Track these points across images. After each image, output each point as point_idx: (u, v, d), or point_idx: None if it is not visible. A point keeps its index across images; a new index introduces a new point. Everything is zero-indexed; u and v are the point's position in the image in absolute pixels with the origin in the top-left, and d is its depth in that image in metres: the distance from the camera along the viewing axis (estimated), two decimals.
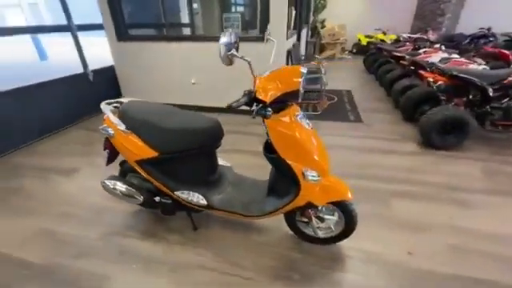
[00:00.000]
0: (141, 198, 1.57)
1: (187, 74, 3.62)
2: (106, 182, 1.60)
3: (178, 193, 1.48)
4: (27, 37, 8.61)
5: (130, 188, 1.56)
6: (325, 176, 1.32)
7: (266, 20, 3.07)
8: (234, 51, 1.12)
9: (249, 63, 1.15)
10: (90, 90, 3.61)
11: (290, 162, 1.24)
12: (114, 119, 1.46)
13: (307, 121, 1.31)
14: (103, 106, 1.54)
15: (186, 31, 5.17)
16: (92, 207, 1.93)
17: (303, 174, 1.25)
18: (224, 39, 1.10)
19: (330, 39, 7.98)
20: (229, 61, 1.14)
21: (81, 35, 3.41)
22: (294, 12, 4.26)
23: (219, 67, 3.17)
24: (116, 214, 1.86)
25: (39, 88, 3.03)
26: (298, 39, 5.22)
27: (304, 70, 1.20)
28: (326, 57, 8.03)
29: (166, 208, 1.57)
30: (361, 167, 2.37)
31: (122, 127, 1.43)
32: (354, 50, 8.91)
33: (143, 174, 1.49)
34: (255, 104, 1.15)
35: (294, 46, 4.09)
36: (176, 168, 1.49)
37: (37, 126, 2.98)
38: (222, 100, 3.36)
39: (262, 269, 1.46)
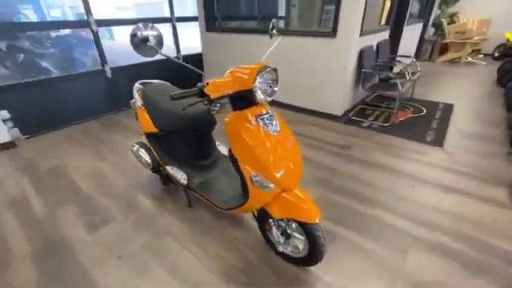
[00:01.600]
0: (151, 166, 1.85)
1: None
2: (133, 145, 1.96)
3: (168, 167, 1.66)
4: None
5: (146, 154, 1.86)
6: (284, 188, 1.17)
7: (337, 12, 2.77)
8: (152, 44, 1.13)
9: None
10: (179, 72, 4.31)
11: (240, 163, 1.18)
12: (136, 96, 1.76)
13: (275, 124, 1.19)
14: (136, 84, 1.87)
15: (280, 24, 5.29)
16: (135, 163, 2.37)
17: (251, 178, 1.16)
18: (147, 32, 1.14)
19: (457, 38, 6.30)
20: (149, 52, 1.16)
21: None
22: (388, 3, 3.62)
23: (297, 63, 3.15)
24: (144, 174, 2.25)
25: (142, 66, 3.88)
26: (396, 36, 4.42)
27: (266, 69, 1.09)
28: (447, 60, 6.44)
29: (162, 178, 1.79)
30: (408, 203, 1.89)
31: (139, 103, 1.71)
32: (497, 54, 6.71)
33: (149, 145, 1.74)
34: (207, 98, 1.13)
35: (378, 45, 3.52)
36: (170, 145, 1.66)
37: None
38: (297, 98, 3.36)
39: (219, 259, 1.47)
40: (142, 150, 1.90)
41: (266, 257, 1.49)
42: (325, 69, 3.09)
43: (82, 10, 3.08)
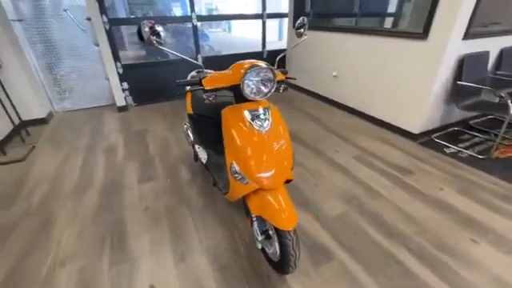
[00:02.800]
0: (190, 143, 2.15)
1: (335, 64, 3.55)
2: (185, 123, 2.31)
3: (196, 146, 1.89)
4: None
5: (189, 133, 2.17)
6: (263, 187, 1.16)
7: (433, 8, 2.27)
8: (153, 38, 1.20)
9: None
10: None
11: (225, 152, 1.24)
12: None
13: (267, 123, 1.18)
14: (192, 72, 2.16)
15: (388, 22, 4.73)
16: None
17: (230, 168, 1.20)
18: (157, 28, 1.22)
19: None
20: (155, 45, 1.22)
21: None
22: None
23: (374, 67, 2.89)
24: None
25: (229, 57, 4.34)
26: None
27: (255, 67, 1.08)
28: None
29: (195, 155, 2.04)
30: (458, 260, 1.49)
31: (188, 88, 1.98)
32: None
33: (189, 124, 2.01)
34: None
35: (503, 52, 2.65)
36: (199, 127, 1.87)
37: None
38: (368, 105, 3.09)
39: (212, 238, 1.59)
40: (189, 129, 2.22)
41: (253, 251, 1.51)
42: (406, 76, 2.62)
43: (214, 7, 3.69)
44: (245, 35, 4.16)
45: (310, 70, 4.09)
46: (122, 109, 3.69)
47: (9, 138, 2.76)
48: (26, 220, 1.79)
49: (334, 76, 3.55)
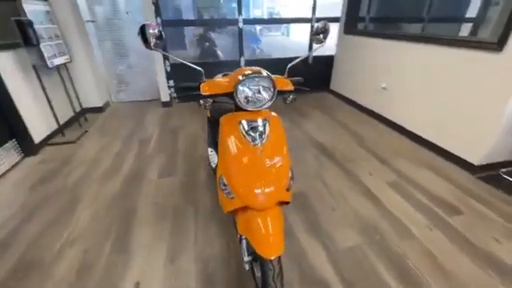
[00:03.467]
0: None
1: (385, 75, 3.16)
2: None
3: (208, 149, 1.86)
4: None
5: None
6: (250, 206, 1.05)
7: None
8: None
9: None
10: (306, 71, 4.38)
11: (218, 160, 1.16)
12: None
13: (263, 136, 1.07)
14: (218, 75, 2.14)
15: (466, 28, 4.07)
16: None
17: (219, 180, 1.12)
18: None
19: None
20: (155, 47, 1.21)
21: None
22: None
23: (427, 79, 2.53)
24: None
25: (274, 62, 4.28)
26: None
27: (250, 75, 0.99)
28: None
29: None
30: None
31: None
32: None
33: (207, 127, 2.00)
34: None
35: None
36: (212, 130, 1.83)
37: None
38: (417, 123, 2.70)
39: (208, 243, 1.54)
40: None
41: (244, 268, 1.41)
42: (471, 94, 2.16)
43: (276, 11, 3.70)
44: (301, 39, 4.06)
45: (356, 79, 3.75)
46: (165, 104, 3.95)
47: (70, 122, 3.20)
48: (60, 195, 2.02)
49: (383, 88, 3.17)
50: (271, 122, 1.15)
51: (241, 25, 3.84)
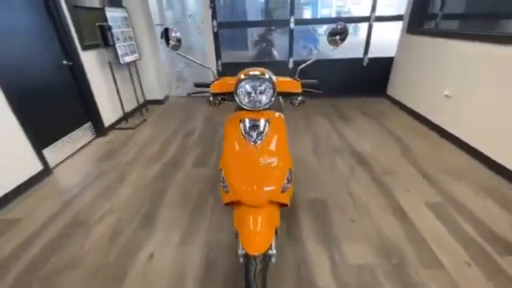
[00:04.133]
0: None
1: (449, 81, 2.73)
2: None
3: None
4: None
5: None
6: (243, 202, 1.08)
7: None
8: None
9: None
10: (360, 74, 4.10)
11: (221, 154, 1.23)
12: None
13: (260, 136, 1.09)
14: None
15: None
16: None
17: (220, 170, 1.18)
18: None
19: None
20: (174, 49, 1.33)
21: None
22: None
23: (502, 88, 2.15)
24: None
25: (325, 63, 4.14)
26: None
27: (251, 75, 1.01)
28: None
29: None
30: None
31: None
32: None
33: None
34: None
35: None
36: None
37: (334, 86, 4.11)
38: (481, 138, 2.34)
39: (213, 237, 1.64)
40: None
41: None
42: None
43: (346, 9, 3.57)
44: (373, 39, 3.82)
45: (415, 84, 3.33)
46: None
47: (134, 111, 3.75)
48: (114, 171, 2.41)
49: (446, 95, 2.74)
50: (273, 122, 1.17)
51: (292, 25, 3.83)
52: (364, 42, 3.90)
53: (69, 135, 2.70)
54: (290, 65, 4.09)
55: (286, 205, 1.23)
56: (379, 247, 1.52)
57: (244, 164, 1.09)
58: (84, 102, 2.91)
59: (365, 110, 3.69)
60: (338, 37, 1.28)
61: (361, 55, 4.00)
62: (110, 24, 2.98)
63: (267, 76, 1.07)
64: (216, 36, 3.88)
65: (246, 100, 1.11)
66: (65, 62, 2.62)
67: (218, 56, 4.03)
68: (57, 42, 2.56)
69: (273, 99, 1.11)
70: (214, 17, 3.74)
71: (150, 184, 2.19)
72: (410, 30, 3.48)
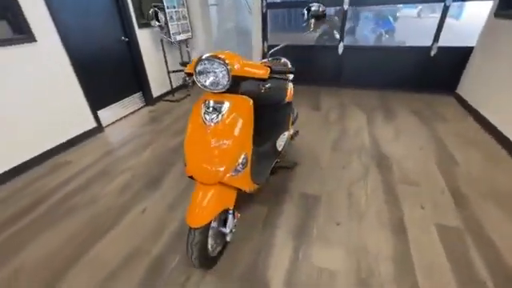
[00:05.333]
0: None
1: None
2: None
3: None
4: None
5: None
6: (196, 179, 1.15)
7: None
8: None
9: None
10: (424, 65, 3.48)
11: None
12: None
13: (216, 116, 1.11)
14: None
15: None
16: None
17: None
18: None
19: None
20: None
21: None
22: None
23: None
24: None
25: (380, 51, 3.65)
26: None
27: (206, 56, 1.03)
28: None
29: None
30: None
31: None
32: None
33: None
34: None
35: None
36: None
37: (389, 78, 3.71)
38: None
39: None
40: None
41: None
42: None
43: None
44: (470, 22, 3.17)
45: (498, 84, 2.61)
46: None
47: (180, 86, 4.12)
48: (148, 136, 2.78)
49: None
50: (235, 106, 1.16)
51: (346, 6, 3.46)
52: (435, 27, 3.25)
53: (121, 101, 3.20)
54: (340, 50, 3.75)
55: (240, 189, 1.25)
56: (353, 257, 1.39)
57: (197, 143, 1.14)
58: (137, 74, 3.36)
59: (418, 108, 3.16)
60: (313, 20, 1.16)
61: (427, 43, 3.36)
62: (162, 5, 3.28)
63: (221, 59, 1.06)
64: (264, 16, 3.83)
65: (202, 81, 1.13)
66: (123, 38, 3.06)
67: (265, 37, 3.99)
68: (118, 21, 2.99)
69: (228, 82, 1.10)
70: None
71: (166, 153, 2.46)
72: (501, 14, 2.72)
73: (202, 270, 1.33)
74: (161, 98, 3.76)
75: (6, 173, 2.11)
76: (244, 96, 1.23)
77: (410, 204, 1.73)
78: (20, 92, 2.15)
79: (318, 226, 1.59)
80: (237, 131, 1.15)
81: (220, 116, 1.13)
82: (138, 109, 3.49)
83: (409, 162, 2.16)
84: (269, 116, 1.73)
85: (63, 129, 2.51)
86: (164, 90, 3.80)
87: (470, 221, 1.59)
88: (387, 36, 6.19)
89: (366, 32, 6.38)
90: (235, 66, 1.10)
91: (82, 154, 2.50)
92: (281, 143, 1.80)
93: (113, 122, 3.11)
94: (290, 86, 2.00)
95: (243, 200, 1.80)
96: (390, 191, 1.85)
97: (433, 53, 3.39)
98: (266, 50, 4.07)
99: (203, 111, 1.16)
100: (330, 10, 5.69)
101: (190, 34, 3.90)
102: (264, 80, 1.20)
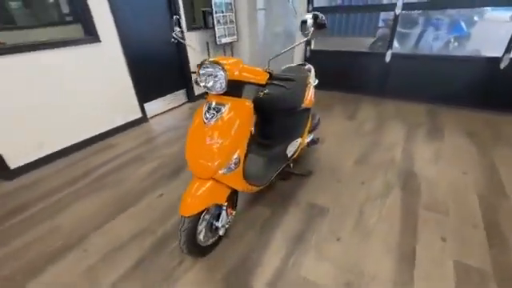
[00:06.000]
0: None
1: None
2: None
3: None
4: None
5: None
6: (194, 173, 1.25)
7: None
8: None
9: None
10: (492, 79, 3.00)
11: None
12: None
13: (214, 116, 1.20)
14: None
15: None
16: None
17: None
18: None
19: None
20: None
21: None
22: None
23: None
24: None
25: (432, 60, 3.28)
26: None
27: (207, 62, 1.14)
28: None
29: None
30: None
31: None
32: None
33: None
34: None
35: None
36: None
37: (441, 91, 3.30)
38: None
39: None
40: None
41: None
42: None
43: None
44: None
45: None
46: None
47: None
48: (180, 130, 3.04)
49: None
50: (234, 108, 1.22)
51: (398, 11, 3.20)
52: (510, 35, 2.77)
53: (166, 96, 3.55)
54: (387, 58, 3.48)
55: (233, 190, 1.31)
56: (344, 276, 1.32)
57: (196, 140, 1.24)
58: (182, 72, 3.68)
59: (475, 128, 2.74)
60: (309, 28, 1.15)
61: (497, 53, 2.88)
62: (213, 9, 3.53)
63: (221, 64, 1.13)
64: None
65: (204, 84, 1.21)
66: (173, 40, 3.38)
67: (308, 42, 3.94)
68: (169, 24, 3.33)
69: (225, 85, 1.16)
70: (310, 1, 3.65)
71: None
72: None
73: (193, 257, 1.43)
74: (202, 96, 4.04)
75: (69, 147, 2.57)
76: (245, 99, 1.28)
77: (430, 233, 1.54)
78: (85, 82, 2.58)
79: (317, 237, 1.55)
80: (232, 131, 1.21)
81: (218, 115, 1.20)
82: (180, 104, 3.82)
83: (442, 186, 1.91)
84: (280, 121, 1.75)
85: (114, 116, 2.92)
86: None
87: (503, 266, 1.34)
88: (456, 44, 5.45)
89: (429, 38, 5.71)
90: (235, 72, 1.17)
91: (125, 139, 2.87)
92: (291, 149, 1.79)
93: (157, 114, 3.47)
94: (311, 92, 1.96)
95: (247, 200, 1.86)
96: (410, 215, 1.67)
97: (503, 65, 2.90)
98: (308, 54, 4.02)
99: (204, 111, 1.25)
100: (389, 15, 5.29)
101: (235, 37, 4.10)
102: (263, 86, 1.24)
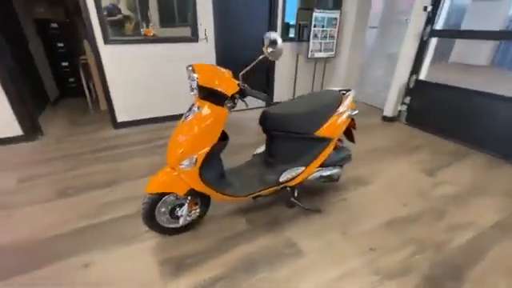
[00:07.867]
0: None
1: None
2: None
3: None
4: None
5: None
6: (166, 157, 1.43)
7: None
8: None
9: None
10: None
11: None
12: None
13: (190, 115, 1.33)
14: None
15: None
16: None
17: None
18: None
19: None
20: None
21: None
22: None
23: None
24: None
25: None
26: None
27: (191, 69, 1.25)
28: None
29: None
30: None
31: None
32: None
33: None
34: None
35: None
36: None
37: None
38: None
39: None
40: None
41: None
42: None
43: None
44: None
45: None
46: (386, 118, 3.61)
47: None
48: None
49: None
50: (205, 112, 1.29)
51: None
52: None
53: (248, 97, 3.90)
54: None
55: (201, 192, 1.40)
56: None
57: (174, 135, 1.40)
58: (267, 78, 3.92)
59: None
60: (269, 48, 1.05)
61: None
62: (313, 22, 3.53)
63: (194, 69, 1.22)
64: (423, 45, 3.12)
65: (190, 85, 1.32)
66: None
67: (416, 70, 3.26)
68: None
69: (196, 89, 1.24)
70: (429, 22, 3.00)
71: (246, 145, 2.79)
72: None
73: (154, 232, 1.59)
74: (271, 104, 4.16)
75: (163, 117, 3.35)
76: (221, 107, 1.32)
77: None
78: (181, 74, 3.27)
79: (267, 276, 1.38)
80: (198, 129, 1.29)
81: (189, 116, 1.32)
82: (258, 107, 4.09)
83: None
84: (283, 143, 1.65)
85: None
86: (286, 98, 4.16)
87: None
88: None
89: None
90: (206, 78, 1.24)
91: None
92: (287, 175, 1.63)
93: (236, 111, 3.87)
94: (339, 120, 1.69)
95: (234, 207, 1.86)
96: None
97: None
98: (412, 84, 3.32)
99: (186, 111, 1.39)
100: None
101: (332, 53, 3.93)
102: (231, 98, 1.25)
